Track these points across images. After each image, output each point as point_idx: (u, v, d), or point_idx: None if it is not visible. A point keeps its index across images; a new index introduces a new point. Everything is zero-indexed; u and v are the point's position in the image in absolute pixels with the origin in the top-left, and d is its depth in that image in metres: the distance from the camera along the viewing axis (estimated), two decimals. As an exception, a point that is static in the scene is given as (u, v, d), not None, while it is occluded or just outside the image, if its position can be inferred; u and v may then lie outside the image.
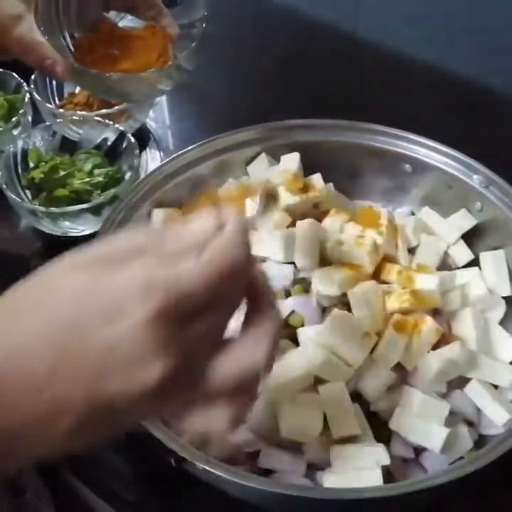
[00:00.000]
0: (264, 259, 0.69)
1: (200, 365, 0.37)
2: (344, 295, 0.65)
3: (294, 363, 0.61)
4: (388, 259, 0.69)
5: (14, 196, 0.78)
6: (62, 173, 0.81)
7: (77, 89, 0.96)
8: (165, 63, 0.63)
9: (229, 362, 0.37)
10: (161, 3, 0.65)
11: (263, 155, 0.77)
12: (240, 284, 0.38)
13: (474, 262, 0.72)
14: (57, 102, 0.94)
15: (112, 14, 0.68)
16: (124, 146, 0.84)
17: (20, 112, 0.87)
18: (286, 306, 0.66)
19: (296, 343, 0.64)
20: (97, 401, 0.34)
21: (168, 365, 0.34)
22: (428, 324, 0.63)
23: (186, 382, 0.36)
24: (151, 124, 0.97)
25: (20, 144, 0.83)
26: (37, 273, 0.36)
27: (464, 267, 0.72)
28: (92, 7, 0.65)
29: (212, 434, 0.39)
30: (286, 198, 0.71)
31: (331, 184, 0.77)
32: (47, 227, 0.79)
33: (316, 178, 0.75)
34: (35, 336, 0.34)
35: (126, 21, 0.68)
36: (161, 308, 0.34)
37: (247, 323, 0.39)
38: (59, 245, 0.80)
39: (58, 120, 0.86)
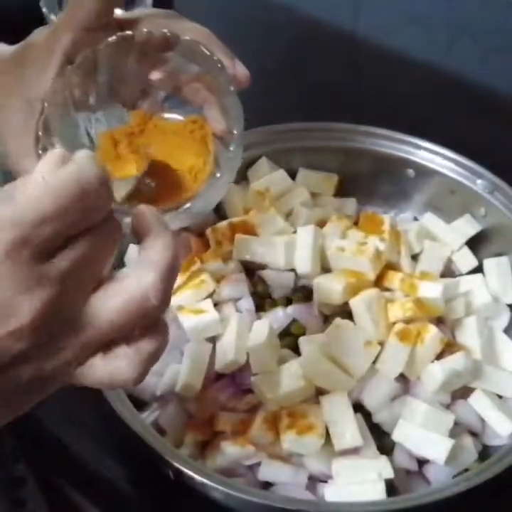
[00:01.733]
0: (264, 266, 0.68)
1: (77, 303, 0.34)
2: (346, 303, 0.64)
3: (294, 373, 0.60)
4: (391, 266, 0.68)
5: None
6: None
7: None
8: (198, 179, 0.53)
9: (111, 294, 0.34)
10: (211, 90, 0.54)
11: (263, 159, 0.76)
12: (100, 209, 0.34)
13: (478, 269, 0.71)
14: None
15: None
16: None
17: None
18: (286, 314, 0.65)
19: (297, 352, 0.63)
20: None
21: (37, 303, 0.32)
22: (432, 333, 0.61)
23: (66, 324, 0.33)
24: (149, 126, 0.96)
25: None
26: None
27: (468, 273, 0.71)
28: (126, 89, 0.55)
29: (119, 385, 0.36)
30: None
31: (332, 188, 0.76)
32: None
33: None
34: None
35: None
36: (11, 245, 0.31)
37: (138, 255, 0.36)
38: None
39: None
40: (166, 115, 0.56)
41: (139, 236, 0.37)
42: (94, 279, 0.34)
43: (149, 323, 0.35)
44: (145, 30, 0.53)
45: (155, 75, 0.55)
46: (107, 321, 0.34)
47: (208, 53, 0.52)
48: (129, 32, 0.53)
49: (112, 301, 0.34)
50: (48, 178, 0.33)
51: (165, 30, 0.53)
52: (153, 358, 0.36)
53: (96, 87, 0.54)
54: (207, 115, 0.54)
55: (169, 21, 0.55)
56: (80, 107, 0.54)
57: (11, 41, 0.60)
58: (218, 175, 0.51)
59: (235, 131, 0.52)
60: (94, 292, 0.34)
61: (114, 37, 0.52)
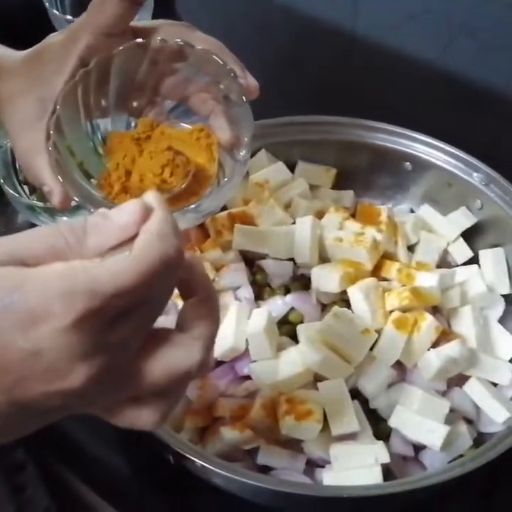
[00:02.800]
0: (263, 256, 0.69)
1: (128, 364, 0.35)
2: (344, 292, 0.65)
3: (293, 360, 0.61)
4: (388, 256, 0.69)
5: (12, 191, 0.77)
6: (60, 168, 0.81)
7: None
8: (203, 184, 0.54)
9: (161, 361, 0.36)
10: (218, 100, 0.55)
11: (262, 151, 0.76)
12: (171, 279, 0.35)
13: (474, 260, 0.72)
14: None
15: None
16: (122, 141, 0.83)
17: (18, 106, 0.87)
18: (285, 302, 0.66)
19: (295, 340, 0.64)
20: (19, 404, 0.33)
21: (92, 369, 0.33)
22: (428, 321, 0.62)
23: (114, 382, 0.35)
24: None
25: (18, 138, 0.82)
26: None
27: (464, 264, 0.72)
28: (134, 97, 0.56)
29: (139, 428, 0.37)
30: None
31: (330, 181, 0.77)
32: (45, 222, 0.79)
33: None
34: None
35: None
36: (83, 314, 0.31)
37: (184, 315, 0.37)
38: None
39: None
40: (173, 124, 0.57)
41: (185, 291, 0.38)
42: (146, 335, 0.36)
43: (181, 386, 0.38)
44: (159, 38, 0.53)
45: (165, 85, 0.56)
46: (151, 381, 0.35)
47: (222, 63, 0.53)
48: (144, 39, 0.54)
49: (160, 366, 0.35)
50: (132, 253, 0.33)
51: (179, 40, 0.53)
52: (170, 413, 0.38)
53: (106, 93, 0.55)
54: (213, 125, 0.55)
55: (183, 31, 0.55)
56: (89, 110, 0.55)
57: (13, 36, 0.61)
58: (225, 179, 0.53)
59: (246, 138, 0.53)
60: (144, 348, 0.35)
61: (129, 43, 0.53)
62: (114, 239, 0.34)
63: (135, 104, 0.56)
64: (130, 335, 0.34)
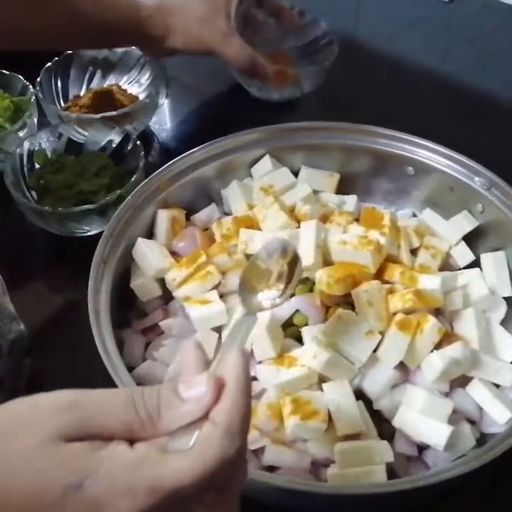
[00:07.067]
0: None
1: None
2: (348, 295, 0.65)
3: (298, 361, 0.62)
4: (391, 259, 0.69)
5: (21, 197, 0.78)
6: (68, 174, 0.82)
7: (82, 92, 0.97)
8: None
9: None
10: None
11: (267, 157, 0.78)
12: (230, 470, 0.37)
13: (475, 263, 0.73)
14: (62, 104, 0.95)
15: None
16: (129, 147, 0.84)
17: (26, 113, 0.88)
18: (290, 305, 0.66)
19: (300, 342, 0.65)
20: None
21: None
22: (430, 323, 0.63)
23: None
24: (154, 126, 0.98)
25: (26, 145, 0.83)
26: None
27: (465, 268, 0.73)
28: None
29: None
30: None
31: (334, 186, 0.78)
32: (53, 227, 0.80)
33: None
34: None
35: None
36: (144, 509, 0.34)
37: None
38: (65, 245, 0.81)
39: (64, 122, 0.87)
40: None
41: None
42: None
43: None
44: None
45: None
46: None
47: None
48: None
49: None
50: (194, 449, 0.35)
51: None
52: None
53: None
54: None
55: None
56: None
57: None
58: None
59: None
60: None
61: None
62: (184, 421, 0.36)
63: None
64: None
